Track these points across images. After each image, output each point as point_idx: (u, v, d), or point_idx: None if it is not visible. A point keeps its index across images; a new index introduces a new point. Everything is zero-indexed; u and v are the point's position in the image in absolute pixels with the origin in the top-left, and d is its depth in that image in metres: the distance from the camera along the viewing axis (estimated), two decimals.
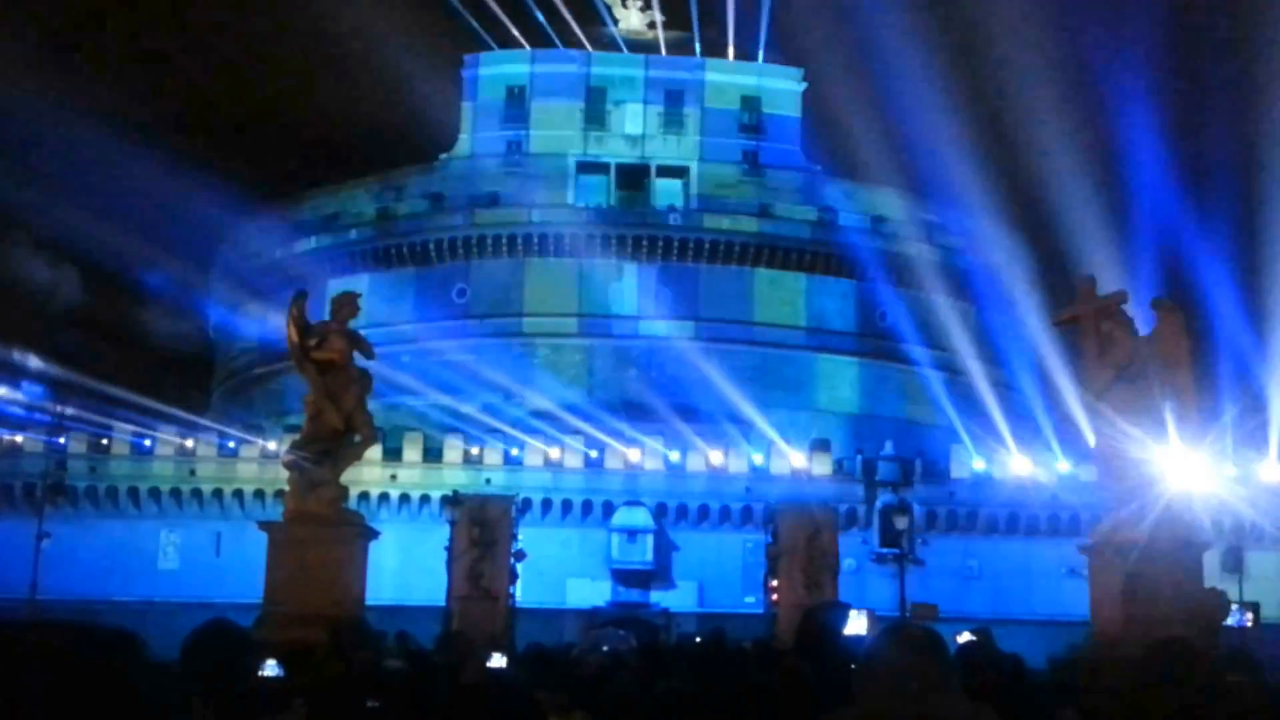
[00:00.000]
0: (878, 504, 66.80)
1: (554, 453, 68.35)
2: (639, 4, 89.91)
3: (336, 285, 65.19)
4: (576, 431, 69.49)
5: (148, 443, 68.24)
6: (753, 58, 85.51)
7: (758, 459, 69.30)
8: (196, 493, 67.51)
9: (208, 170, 73.17)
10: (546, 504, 66.62)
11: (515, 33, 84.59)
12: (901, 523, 55.94)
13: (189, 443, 68.48)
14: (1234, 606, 20.19)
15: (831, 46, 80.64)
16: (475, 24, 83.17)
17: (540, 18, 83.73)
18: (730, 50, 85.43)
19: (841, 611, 9.32)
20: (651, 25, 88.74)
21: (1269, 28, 67.82)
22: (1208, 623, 18.93)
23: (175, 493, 67.52)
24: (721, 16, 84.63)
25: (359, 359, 25.15)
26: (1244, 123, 70.22)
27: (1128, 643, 18.37)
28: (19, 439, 67.11)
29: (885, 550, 64.30)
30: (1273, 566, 62.90)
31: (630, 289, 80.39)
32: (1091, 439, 24.23)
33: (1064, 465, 68.42)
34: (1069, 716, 8.74)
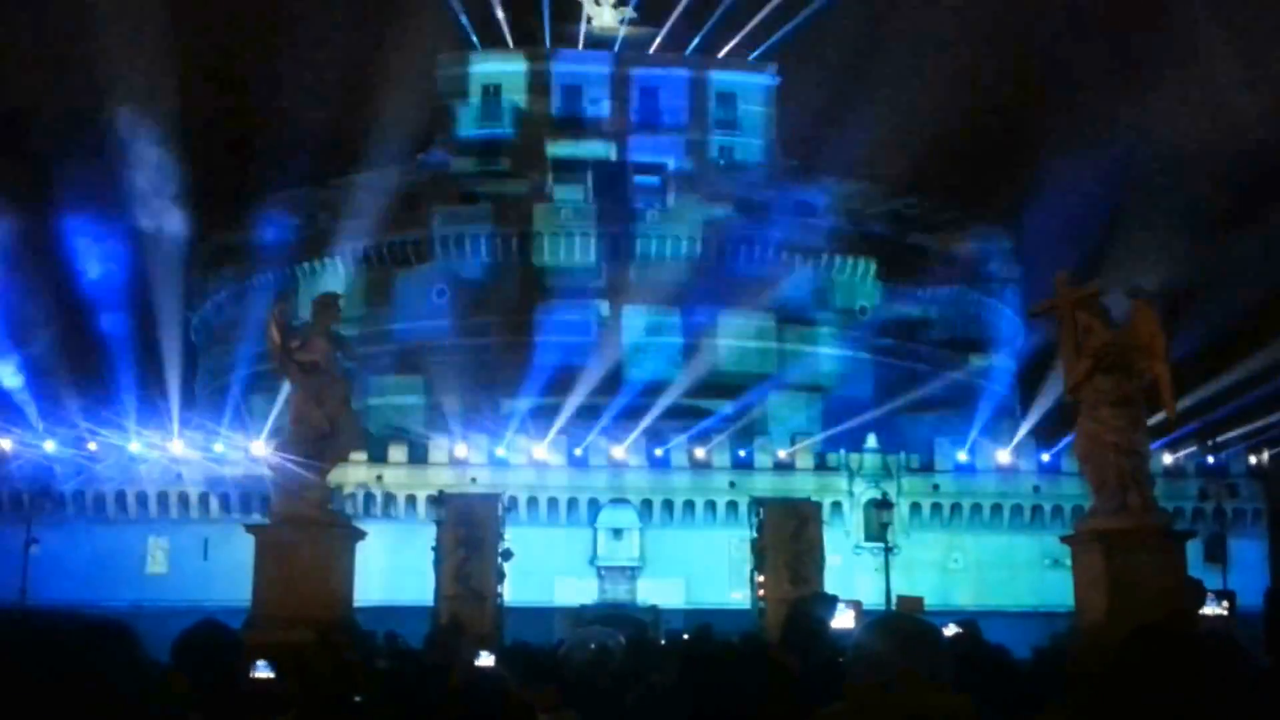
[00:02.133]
0: (862, 497, 66.96)
1: (539, 451, 68.39)
2: (612, 1, 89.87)
3: (318, 286, 65.37)
4: (560, 429, 69.57)
5: (134, 447, 68.08)
6: (727, 54, 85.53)
7: (741, 454, 69.42)
8: (183, 497, 67.44)
9: (190, 169, 73.09)
10: (532, 503, 66.69)
11: (490, 32, 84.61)
12: (886, 516, 56.07)
13: (175, 446, 68.37)
14: (1210, 595, 20.31)
15: (805, 41, 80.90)
16: (450, 24, 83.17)
17: (515, 17, 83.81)
18: (705, 47, 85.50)
19: (829, 603, 9.42)
20: (625, 23, 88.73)
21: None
22: (1186, 611, 19.09)
23: (162, 497, 67.45)
24: (695, 13, 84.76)
25: (342, 360, 25.21)
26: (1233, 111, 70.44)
27: (1111, 632, 18.51)
28: (6, 444, 66.92)
29: (870, 543, 64.45)
30: (1256, 555, 63.18)
31: (610, 287, 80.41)
32: (1072, 429, 24.40)
33: (1045, 456, 68.65)
34: (1055, 709, 8.83)
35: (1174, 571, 22.02)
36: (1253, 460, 67.79)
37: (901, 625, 5.32)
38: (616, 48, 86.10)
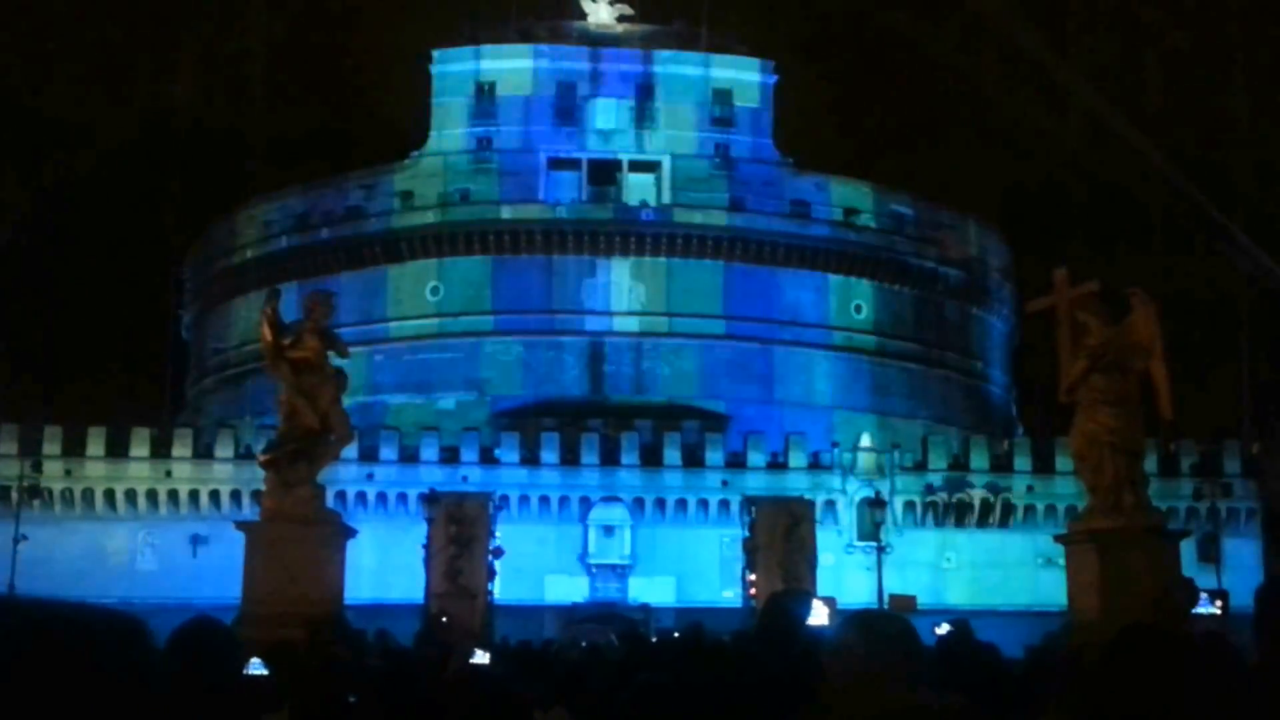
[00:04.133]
0: (855, 496, 66.93)
1: (530, 450, 68.32)
2: None
3: (310, 284, 65.34)
4: (552, 428, 69.49)
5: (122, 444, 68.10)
6: (723, 50, 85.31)
7: (734, 453, 69.37)
8: (173, 494, 67.35)
9: (178, 170, 73.02)
10: (523, 501, 66.58)
11: (483, 28, 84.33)
12: (879, 515, 56.04)
13: (165, 444, 68.31)
14: (1203, 595, 20.25)
15: (802, 37, 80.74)
16: (443, 20, 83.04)
17: (509, 13, 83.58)
18: (701, 42, 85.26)
19: (803, 600, 9.35)
20: (620, 18, 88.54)
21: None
22: (1177, 611, 19.05)
23: (151, 494, 67.35)
24: (691, 8, 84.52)
25: (334, 358, 25.12)
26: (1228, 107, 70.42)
27: (1105, 631, 18.45)
28: None
29: (863, 542, 64.46)
30: (1249, 554, 63.25)
31: (603, 285, 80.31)
32: (1067, 428, 24.35)
33: (1039, 455, 68.66)
34: (1050, 709, 8.76)
35: (1168, 571, 21.99)
36: (1245, 460, 67.79)
37: (878, 621, 5.27)
38: (613, 45, 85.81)
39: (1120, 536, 22.14)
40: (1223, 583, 43.63)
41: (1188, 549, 29.99)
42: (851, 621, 5.20)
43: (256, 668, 8.36)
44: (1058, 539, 25.35)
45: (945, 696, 5.02)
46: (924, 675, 4.95)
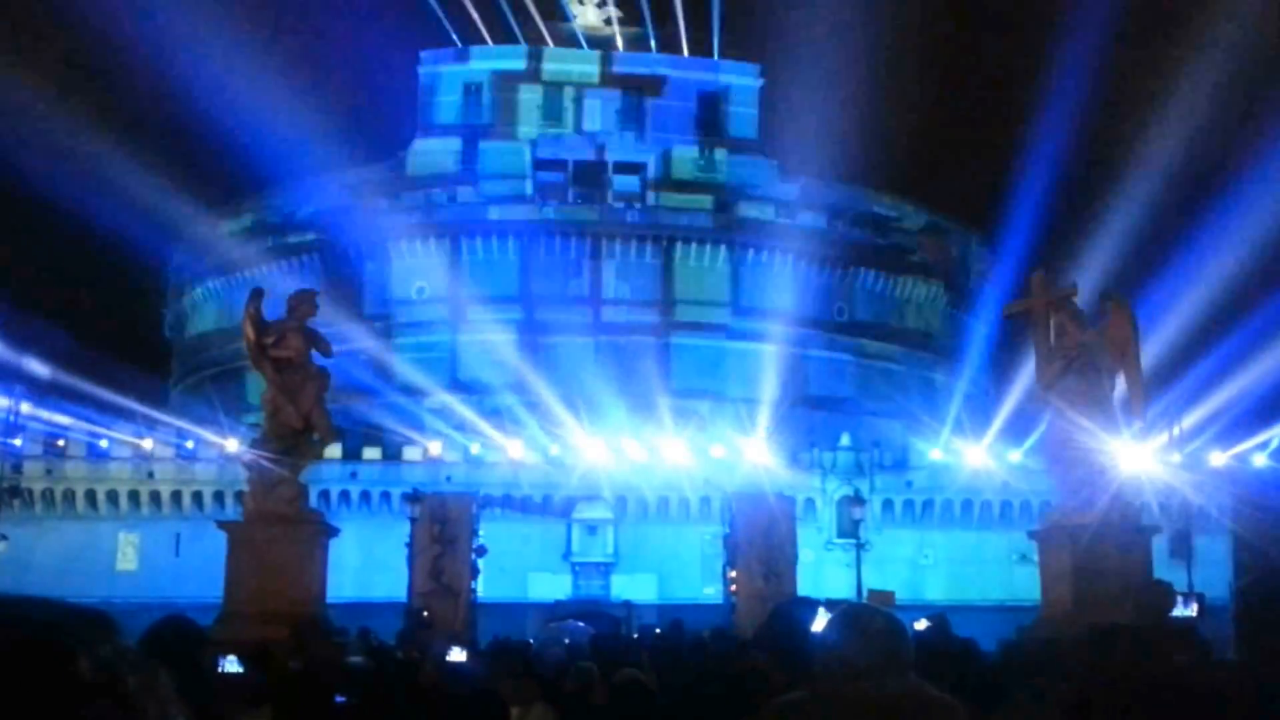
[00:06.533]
0: (835, 494, 67.14)
1: (513, 448, 68.35)
2: (596, 0, 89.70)
3: (293, 283, 65.24)
4: (536, 426, 69.54)
5: (104, 444, 67.91)
6: (709, 53, 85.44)
7: (716, 451, 69.47)
8: (155, 494, 67.22)
9: (165, 169, 72.86)
10: (507, 499, 66.61)
11: (471, 29, 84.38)
12: (858, 513, 56.26)
13: (147, 444, 68.14)
14: (1180, 598, 20.42)
15: (787, 40, 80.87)
16: (431, 21, 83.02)
17: (497, 14, 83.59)
18: (687, 45, 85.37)
19: (810, 608, 9.56)
20: (608, 21, 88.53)
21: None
22: (1154, 614, 19.24)
23: (133, 494, 67.21)
24: (678, 11, 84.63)
25: (317, 357, 25.25)
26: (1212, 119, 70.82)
27: (1076, 624, 18.70)
28: None
29: (842, 539, 64.68)
30: (1220, 551, 63.42)
31: (588, 285, 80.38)
32: (1042, 428, 24.64)
33: (1015, 454, 68.88)
34: (1020, 700, 8.98)
35: (1139, 566, 22.24)
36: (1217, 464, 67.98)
37: (860, 615, 5.43)
38: (600, 47, 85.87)
39: (1092, 532, 22.40)
40: (1193, 578, 43.97)
41: (1159, 545, 30.26)
42: (837, 619, 5.39)
43: (231, 665, 8.53)
44: (1031, 535, 25.62)
45: (923, 685, 5.22)
46: (906, 666, 5.12)
